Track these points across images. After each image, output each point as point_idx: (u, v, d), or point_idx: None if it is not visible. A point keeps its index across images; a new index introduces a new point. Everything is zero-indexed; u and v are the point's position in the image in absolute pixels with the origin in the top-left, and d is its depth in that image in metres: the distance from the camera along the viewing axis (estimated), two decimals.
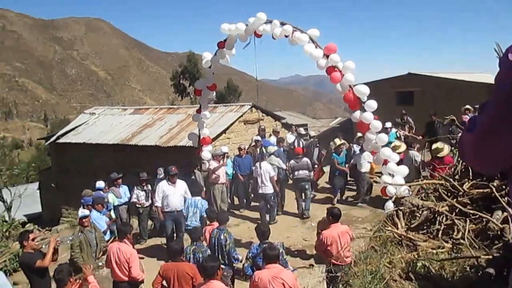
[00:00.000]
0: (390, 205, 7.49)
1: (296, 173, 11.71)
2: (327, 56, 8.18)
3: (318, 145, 14.13)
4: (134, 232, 12.06)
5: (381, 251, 5.21)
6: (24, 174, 24.71)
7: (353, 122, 8.76)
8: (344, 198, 12.68)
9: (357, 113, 8.03)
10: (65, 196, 15.51)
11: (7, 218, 15.17)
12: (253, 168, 11.77)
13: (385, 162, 8.10)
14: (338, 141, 12.11)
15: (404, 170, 8.21)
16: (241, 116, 15.93)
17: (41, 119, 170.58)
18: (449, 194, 5.53)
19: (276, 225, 11.44)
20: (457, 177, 6.15)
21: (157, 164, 11.64)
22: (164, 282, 6.31)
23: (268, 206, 11.34)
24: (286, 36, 8.79)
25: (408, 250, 5.05)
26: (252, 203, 12.95)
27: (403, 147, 11.86)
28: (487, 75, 27.57)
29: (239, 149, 12.66)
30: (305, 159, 11.82)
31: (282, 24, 8.78)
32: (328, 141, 14.59)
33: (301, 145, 13.51)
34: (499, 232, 4.73)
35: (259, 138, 13.16)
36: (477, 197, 5.25)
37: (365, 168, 11.21)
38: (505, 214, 4.83)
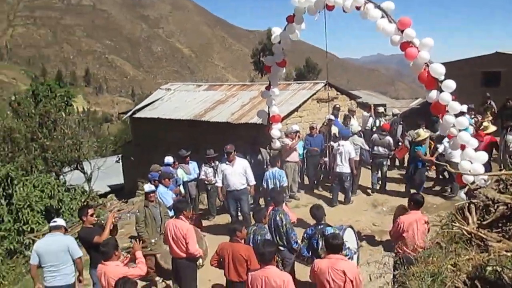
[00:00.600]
0: (462, 196, 6.96)
1: (375, 148, 11.91)
2: (402, 31, 7.64)
3: (401, 123, 13.92)
4: (204, 208, 12.36)
5: (447, 249, 4.65)
6: (111, 147, 25.99)
7: None
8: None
9: (434, 93, 7.42)
10: (141, 169, 16.09)
11: (86, 189, 15.97)
12: (332, 144, 11.71)
13: (462, 148, 7.50)
14: (423, 134, 11.02)
15: (484, 156, 7.56)
16: (314, 94, 15.46)
17: (128, 94, 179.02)
18: None
19: (345, 207, 11.20)
20: None
21: (228, 141, 11.72)
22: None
23: (345, 186, 11.22)
24: (358, 9, 8.31)
25: (478, 251, 4.41)
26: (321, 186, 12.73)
27: (492, 128, 11.21)
28: None
29: (311, 128, 12.41)
30: (388, 138, 11.90)
31: None
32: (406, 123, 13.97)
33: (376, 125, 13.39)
34: None
35: (332, 117, 12.81)
36: None
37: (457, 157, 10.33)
38: None
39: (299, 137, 11.91)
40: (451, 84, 7.29)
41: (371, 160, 12.32)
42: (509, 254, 4.12)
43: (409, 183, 11.43)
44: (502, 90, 19.35)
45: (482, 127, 11.25)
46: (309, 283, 5.87)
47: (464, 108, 11.87)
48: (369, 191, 12.27)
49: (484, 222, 4.76)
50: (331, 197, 11.66)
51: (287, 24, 9.48)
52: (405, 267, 4.80)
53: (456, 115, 7.43)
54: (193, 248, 6.76)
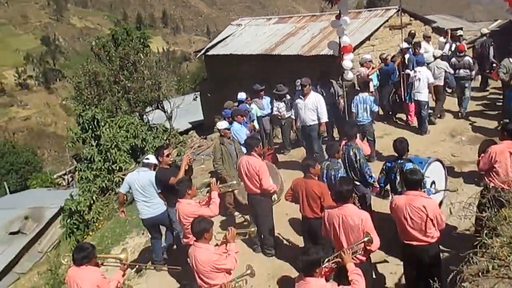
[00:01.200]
0: None
1: (457, 71, 11.60)
2: None
3: (493, 43, 12.95)
4: (279, 142, 12.44)
5: None
6: (188, 85, 26.59)
7: None
8: None
9: None
10: (217, 106, 16.40)
11: (168, 127, 16.61)
12: (408, 72, 11.38)
13: None
14: None
15: None
16: (387, 21, 14.70)
17: (204, 33, 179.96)
18: None
19: (422, 138, 10.80)
20: None
21: (300, 74, 11.52)
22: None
23: (422, 114, 10.85)
24: None
25: None
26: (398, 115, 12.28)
27: None
28: None
29: (382, 59, 11.83)
30: (467, 58, 11.59)
31: None
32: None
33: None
34: None
35: (406, 44, 12.09)
36: None
37: None
38: None
39: (373, 68, 11.48)
40: None
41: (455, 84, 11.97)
42: None
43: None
44: None
45: None
46: (387, 219, 5.77)
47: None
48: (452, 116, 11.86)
49: None
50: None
51: None
52: (496, 209, 4.40)
53: None
54: (266, 184, 6.79)
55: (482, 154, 6.16)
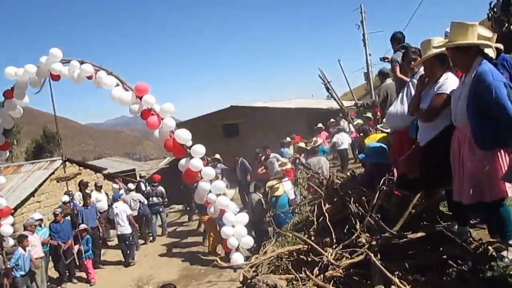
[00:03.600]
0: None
1: (150, 199, 13.87)
2: (140, 99, 6.86)
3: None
4: None
5: None
6: None
7: None
8: None
9: (184, 161, 6.79)
10: None
11: None
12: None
13: (222, 212, 7.01)
14: None
15: (244, 218, 7.23)
16: (53, 173, 13.82)
17: None
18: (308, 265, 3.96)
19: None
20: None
21: None
22: None
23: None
24: (90, 78, 7.25)
25: None
26: None
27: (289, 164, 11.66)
28: (300, 101, 29.79)
29: (55, 214, 10.72)
30: (160, 188, 14.12)
31: (82, 63, 7.21)
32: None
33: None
34: None
35: (67, 198, 11.44)
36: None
37: None
38: None
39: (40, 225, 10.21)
40: (200, 150, 6.78)
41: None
42: None
43: None
44: (241, 139, 21.03)
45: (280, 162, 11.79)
46: None
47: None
48: None
49: None
50: None
51: (5, 100, 7.71)
52: None
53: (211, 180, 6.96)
54: None
55: None
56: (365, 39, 28.35)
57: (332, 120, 17.76)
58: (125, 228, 11.71)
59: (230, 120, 22.76)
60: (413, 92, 4.53)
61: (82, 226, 10.92)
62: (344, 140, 14.51)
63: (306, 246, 4.23)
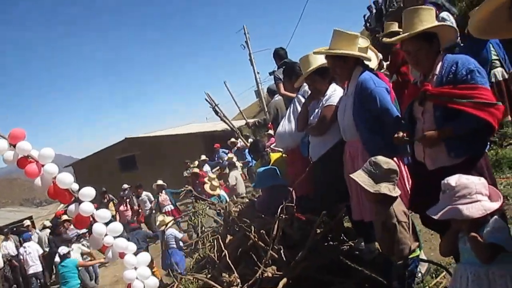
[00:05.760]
0: None
1: None
2: (15, 146, 6.06)
3: None
4: None
5: None
6: None
7: None
8: None
9: (73, 207, 6.08)
10: None
11: None
12: None
13: (122, 256, 6.38)
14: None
15: (146, 257, 6.68)
16: None
17: None
18: None
19: None
20: None
21: None
22: None
23: None
24: None
25: None
26: None
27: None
28: (196, 125, 29.60)
29: None
30: None
31: None
32: None
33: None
34: None
35: None
36: None
37: None
38: None
39: None
40: (89, 192, 6.09)
41: None
42: None
43: None
44: (141, 172, 20.12)
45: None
46: None
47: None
48: None
49: None
50: None
51: None
52: None
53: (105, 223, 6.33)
54: None
55: None
56: (252, 58, 28.80)
57: (233, 139, 16.41)
58: (37, 266, 11.82)
59: (126, 153, 21.80)
60: (299, 109, 4.40)
61: None
62: (238, 179, 12.53)
63: None
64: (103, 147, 22.60)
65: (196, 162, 14.75)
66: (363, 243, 4.09)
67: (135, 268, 6.38)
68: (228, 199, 10.48)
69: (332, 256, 3.79)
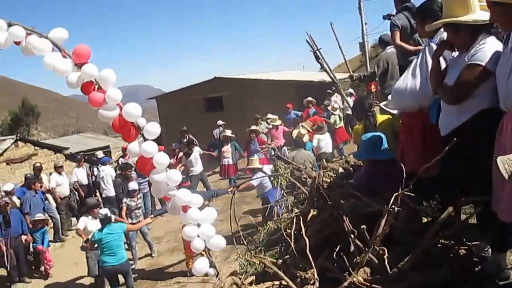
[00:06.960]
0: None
1: None
2: (79, 67, 5.34)
3: None
4: None
5: None
6: None
7: None
8: None
9: (133, 145, 5.30)
10: None
11: None
12: None
13: (185, 210, 5.62)
14: None
15: (213, 214, 5.94)
16: (2, 154, 12.27)
17: None
18: None
19: None
20: None
21: None
22: None
23: None
24: (17, 44, 5.79)
25: None
26: None
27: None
28: (290, 72, 28.51)
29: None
30: None
31: (10, 25, 5.75)
32: None
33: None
34: None
35: (10, 187, 10.05)
36: None
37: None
38: None
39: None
40: (154, 129, 5.20)
41: None
42: None
43: None
44: (226, 113, 19.65)
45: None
46: None
47: None
48: None
49: None
50: None
51: None
52: None
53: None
54: None
55: None
56: (361, 7, 26.96)
57: (310, 98, 14.78)
58: (109, 191, 11.36)
59: (214, 93, 21.32)
60: (429, 62, 3.29)
61: (39, 215, 9.58)
62: (327, 142, 11.80)
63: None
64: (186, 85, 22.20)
65: (276, 116, 13.94)
66: (490, 250, 3.03)
67: (198, 225, 5.53)
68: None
69: (452, 267, 2.74)
